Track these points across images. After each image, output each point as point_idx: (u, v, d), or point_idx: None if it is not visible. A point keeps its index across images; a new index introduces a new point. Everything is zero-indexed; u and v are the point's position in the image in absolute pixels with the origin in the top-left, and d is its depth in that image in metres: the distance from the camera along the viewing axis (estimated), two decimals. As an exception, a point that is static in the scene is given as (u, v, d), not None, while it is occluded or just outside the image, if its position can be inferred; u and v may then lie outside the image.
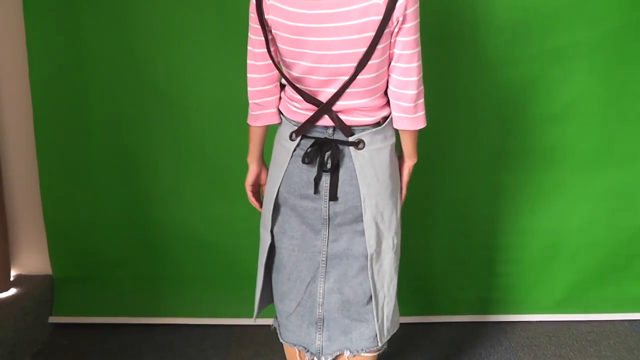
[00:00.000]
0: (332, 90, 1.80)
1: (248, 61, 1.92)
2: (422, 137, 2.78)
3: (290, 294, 2.00)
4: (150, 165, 2.88)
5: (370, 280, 1.91)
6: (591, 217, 2.92)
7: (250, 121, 2.02)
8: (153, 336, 2.90)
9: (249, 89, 1.96)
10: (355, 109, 1.83)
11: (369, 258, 1.89)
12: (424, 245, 2.96)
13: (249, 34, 1.88)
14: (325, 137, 1.86)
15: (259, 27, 1.81)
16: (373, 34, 1.69)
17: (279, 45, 1.82)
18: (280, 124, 1.98)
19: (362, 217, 1.87)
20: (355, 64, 1.74)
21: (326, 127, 1.86)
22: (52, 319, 2.97)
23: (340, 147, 1.85)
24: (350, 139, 1.84)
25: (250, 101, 1.98)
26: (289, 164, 1.91)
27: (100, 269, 2.99)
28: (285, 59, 1.83)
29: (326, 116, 1.84)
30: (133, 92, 2.80)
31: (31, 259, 3.01)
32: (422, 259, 2.98)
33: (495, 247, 2.97)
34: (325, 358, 2.00)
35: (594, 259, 2.96)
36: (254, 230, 2.88)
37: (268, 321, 2.93)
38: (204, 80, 2.79)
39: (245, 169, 2.85)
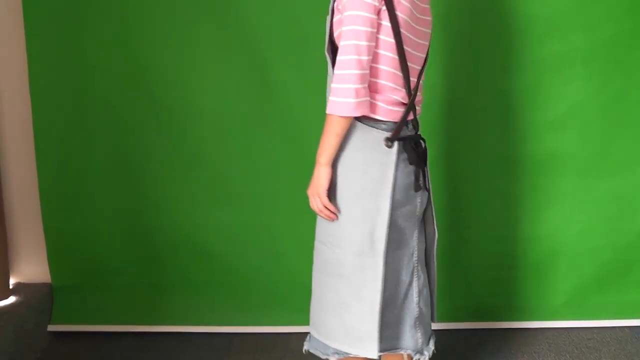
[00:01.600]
0: (414, 80, 1.89)
1: (364, 42, 1.72)
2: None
3: (391, 304, 1.93)
4: (150, 173, 2.89)
5: (434, 266, 2.05)
6: (591, 223, 2.93)
7: (352, 110, 1.73)
8: (152, 344, 2.89)
9: (360, 71, 1.72)
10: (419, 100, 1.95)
11: (435, 245, 2.01)
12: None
13: (365, 16, 1.72)
14: (413, 134, 1.94)
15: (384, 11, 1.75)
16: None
17: (401, 30, 1.79)
18: (353, 131, 1.83)
19: (430, 204, 2.02)
20: (424, 55, 1.93)
21: (407, 123, 1.91)
22: (51, 327, 2.96)
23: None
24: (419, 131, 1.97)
25: (360, 85, 1.72)
26: (395, 172, 1.84)
27: (99, 277, 2.99)
28: (406, 48, 1.83)
29: (410, 111, 1.89)
30: (133, 101, 2.81)
31: (30, 267, 3.01)
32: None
33: (494, 253, 2.97)
34: (427, 352, 2.02)
35: (593, 265, 2.96)
36: (254, 238, 2.91)
37: (267, 329, 2.94)
38: (204, 88, 2.81)
39: (244, 175, 2.87)
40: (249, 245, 2.93)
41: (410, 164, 1.88)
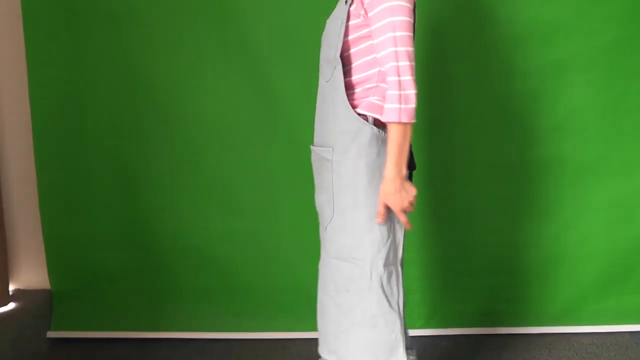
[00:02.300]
0: None
1: (410, 48, 1.74)
2: (421, 149, 2.81)
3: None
4: (149, 180, 2.89)
5: None
6: (590, 228, 2.92)
7: (414, 117, 1.75)
8: (152, 351, 2.89)
9: (412, 78, 1.74)
10: None
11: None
12: (424, 257, 2.96)
13: (406, 21, 1.74)
14: None
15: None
16: None
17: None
18: (372, 139, 1.83)
19: None
20: None
21: None
22: (51, 334, 2.96)
23: None
24: None
25: (415, 90, 1.74)
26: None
27: (98, 284, 2.98)
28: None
29: None
30: (131, 107, 2.82)
31: (29, 274, 3.01)
32: (422, 272, 2.98)
33: (495, 259, 2.97)
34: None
35: (593, 271, 2.96)
36: (253, 244, 2.91)
37: (268, 335, 2.94)
38: (205, 95, 2.81)
39: (245, 182, 2.87)
40: (249, 251, 2.93)
41: (409, 168, 1.87)
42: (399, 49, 1.71)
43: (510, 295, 3.00)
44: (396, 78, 1.71)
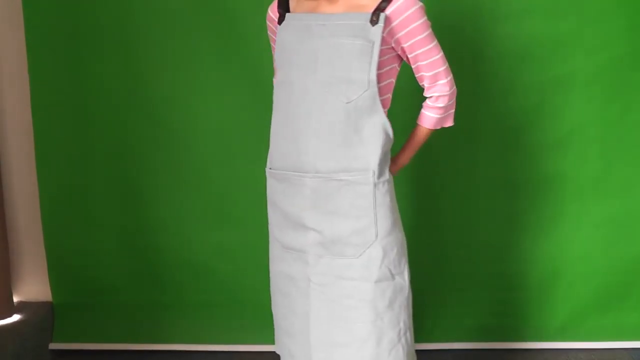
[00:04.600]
0: None
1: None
2: (423, 164, 2.82)
3: None
4: (151, 193, 2.90)
5: None
6: (590, 245, 2.93)
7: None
8: (153, 363, 2.90)
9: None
10: None
11: None
12: (424, 271, 2.96)
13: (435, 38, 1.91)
14: None
15: None
16: None
17: None
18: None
19: None
20: None
21: None
22: (53, 346, 2.97)
23: None
24: None
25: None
26: None
27: (100, 296, 3.00)
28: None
29: None
30: (134, 120, 2.83)
31: (32, 286, 3.02)
32: (421, 286, 2.98)
33: (494, 274, 2.97)
34: None
35: (593, 287, 2.97)
36: (254, 257, 2.92)
37: (267, 347, 2.94)
38: (206, 107, 2.82)
39: (245, 195, 2.88)
40: (250, 264, 2.93)
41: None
42: (447, 66, 1.92)
43: (510, 311, 3.01)
44: (448, 93, 1.92)
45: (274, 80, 2.08)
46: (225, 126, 2.84)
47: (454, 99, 1.96)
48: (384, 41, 1.81)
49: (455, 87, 1.94)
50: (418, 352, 2.93)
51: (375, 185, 1.86)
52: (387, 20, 1.80)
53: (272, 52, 2.14)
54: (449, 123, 2.00)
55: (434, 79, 1.90)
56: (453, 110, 1.99)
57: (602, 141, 2.85)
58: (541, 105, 2.81)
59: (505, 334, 3.01)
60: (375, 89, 1.82)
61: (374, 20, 1.79)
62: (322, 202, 1.88)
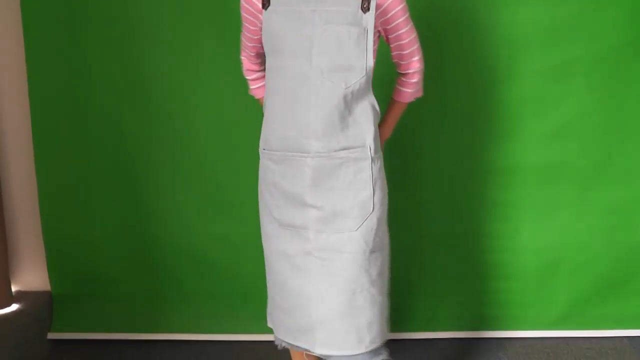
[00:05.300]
0: None
1: None
2: (422, 153, 2.82)
3: None
4: (150, 183, 2.90)
5: None
6: (590, 233, 2.93)
7: None
8: (152, 352, 2.90)
9: None
10: None
11: None
12: (423, 261, 2.96)
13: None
14: None
15: None
16: None
17: None
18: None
19: None
20: None
21: None
22: (51, 335, 2.97)
23: None
24: None
25: None
26: None
27: (99, 286, 2.99)
28: None
29: None
30: (132, 110, 2.82)
31: (31, 275, 3.02)
32: (420, 275, 2.98)
33: (494, 263, 2.97)
34: None
35: (592, 276, 2.97)
36: (253, 247, 2.91)
37: (268, 337, 2.94)
38: (205, 98, 2.81)
39: (244, 185, 2.88)
40: (249, 253, 2.92)
41: None
42: (419, 44, 2.04)
43: (510, 299, 3.01)
44: (420, 69, 2.06)
45: (243, 58, 2.28)
46: (223, 117, 2.83)
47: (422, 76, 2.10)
48: (374, 26, 1.89)
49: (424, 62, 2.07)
50: (417, 341, 2.96)
51: (372, 160, 1.96)
52: (377, 6, 1.88)
53: (243, 34, 2.17)
54: (420, 94, 2.13)
55: (410, 56, 2.02)
56: (422, 83, 2.12)
57: (602, 129, 2.84)
58: (541, 93, 2.80)
59: (506, 323, 3.02)
60: (371, 74, 1.92)
61: (365, 7, 1.86)
62: (323, 179, 1.95)
